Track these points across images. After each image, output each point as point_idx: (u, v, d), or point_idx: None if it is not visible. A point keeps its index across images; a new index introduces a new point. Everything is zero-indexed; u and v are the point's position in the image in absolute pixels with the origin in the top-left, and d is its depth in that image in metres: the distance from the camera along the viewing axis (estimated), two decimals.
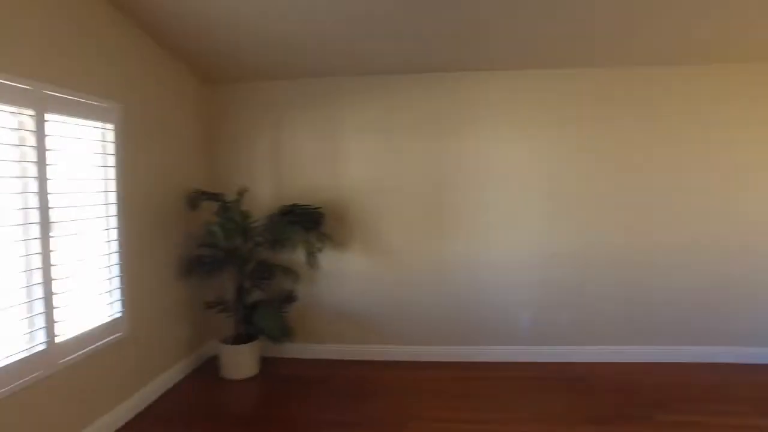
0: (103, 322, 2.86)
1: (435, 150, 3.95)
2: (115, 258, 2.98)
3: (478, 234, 3.95)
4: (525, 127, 3.88)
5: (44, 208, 2.37)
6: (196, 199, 3.78)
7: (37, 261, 2.33)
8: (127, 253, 3.07)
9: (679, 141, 3.79)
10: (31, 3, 2.36)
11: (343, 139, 4.02)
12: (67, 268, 2.56)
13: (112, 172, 2.95)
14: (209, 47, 3.51)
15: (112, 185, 2.95)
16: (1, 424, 2.13)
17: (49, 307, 2.39)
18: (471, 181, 3.93)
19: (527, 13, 3.00)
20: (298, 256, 3.97)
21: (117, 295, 2.99)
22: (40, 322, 2.36)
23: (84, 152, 2.75)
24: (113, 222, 2.96)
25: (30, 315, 2.31)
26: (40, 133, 2.35)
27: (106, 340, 2.85)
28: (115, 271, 2.99)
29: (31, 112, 2.31)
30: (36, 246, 2.32)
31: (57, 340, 2.45)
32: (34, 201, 2.32)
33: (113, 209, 2.95)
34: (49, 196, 2.39)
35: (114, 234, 2.97)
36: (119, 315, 3.00)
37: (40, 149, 2.35)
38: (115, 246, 2.97)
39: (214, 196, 3.79)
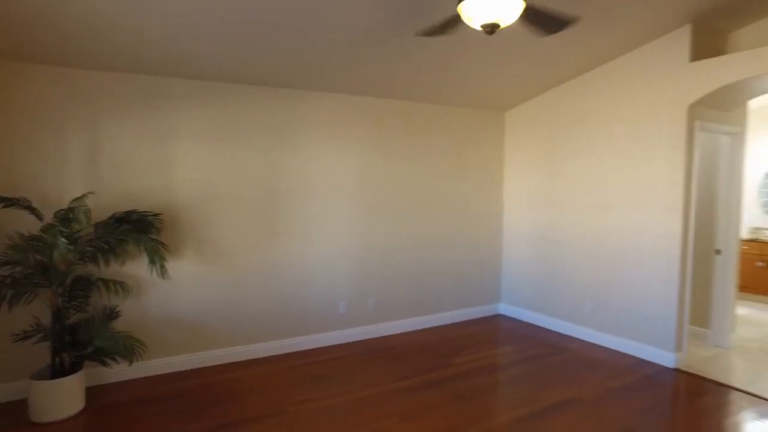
0: None
1: (267, 159, 4.22)
2: None
3: (303, 235, 4.42)
4: (345, 142, 4.59)
5: None
6: None
7: None
8: None
9: (439, 155, 5.18)
10: None
11: (175, 144, 3.84)
12: None
13: None
14: None
15: None
16: None
17: None
18: (299, 187, 4.37)
19: (355, 52, 3.71)
20: (129, 268, 3.62)
21: None
22: None
23: None
24: None
25: None
26: None
27: None
28: None
29: None
30: None
31: None
32: None
33: None
34: None
35: None
36: None
37: None
38: None
39: (11, 202, 3.10)
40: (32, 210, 3.17)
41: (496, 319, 5.54)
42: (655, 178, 4.12)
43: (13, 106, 3.34)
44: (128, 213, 3.53)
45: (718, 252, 4.55)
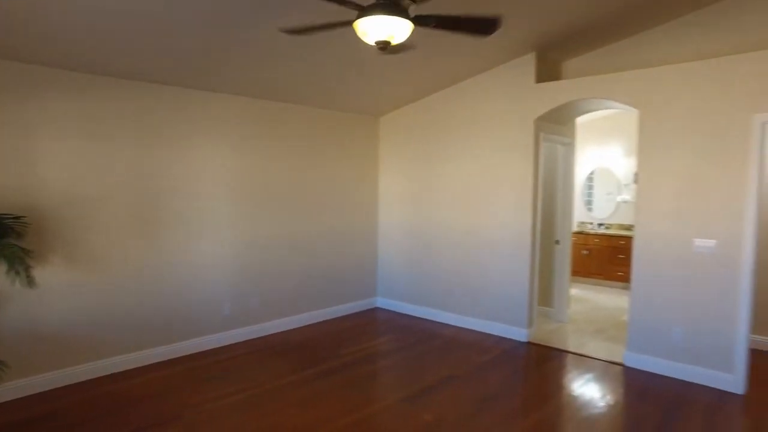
0: None
1: (148, 158, 4.02)
2: None
3: (186, 236, 4.29)
4: (230, 142, 4.55)
5: None
6: None
7: None
8: None
9: (319, 156, 5.41)
10: None
11: (40, 140, 3.48)
12: None
13: None
14: None
15: None
16: None
17: None
18: (181, 188, 4.23)
19: (235, 53, 3.78)
20: None
21: None
22: None
23: None
24: None
25: None
26: None
27: None
28: None
29: None
30: None
31: None
32: None
33: None
34: None
35: None
36: None
37: None
38: None
39: None
40: None
41: (375, 312, 5.91)
42: (510, 179, 4.82)
43: None
44: None
45: (557, 242, 5.46)
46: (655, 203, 3.97)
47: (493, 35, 3.71)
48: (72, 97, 3.62)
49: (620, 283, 7.28)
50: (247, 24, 3.24)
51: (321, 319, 5.49)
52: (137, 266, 4.01)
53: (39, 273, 3.47)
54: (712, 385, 3.72)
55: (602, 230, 7.77)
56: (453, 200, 5.32)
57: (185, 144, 4.25)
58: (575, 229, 7.90)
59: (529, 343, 4.76)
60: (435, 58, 4.34)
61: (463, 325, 5.27)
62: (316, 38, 3.50)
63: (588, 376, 3.97)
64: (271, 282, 4.98)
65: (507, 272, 4.88)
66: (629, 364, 4.14)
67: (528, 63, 4.65)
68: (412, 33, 2.74)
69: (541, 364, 4.23)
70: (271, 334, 4.94)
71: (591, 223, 8.06)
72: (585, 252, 7.58)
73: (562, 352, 4.51)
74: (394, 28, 2.58)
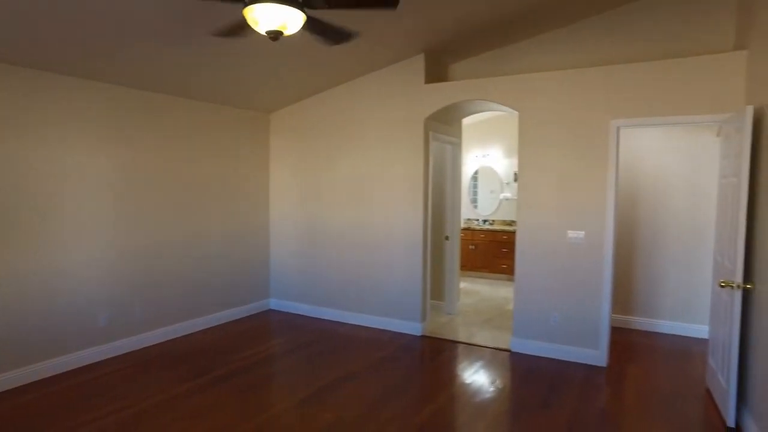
0: None
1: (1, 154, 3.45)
2: None
3: (51, 242, 3.76)
4: (105, 135, 4.07)
5: None
6: None
7: None
8: None
9: (206, 153, 5.09)
10: None
11: None
12: None
13: None
14: None
15: None
16: None
17: None
18: (45, 187, 3.70)
19: (115, 39, 3.43)
20: None
21: None
22: None
23: None
24: None
25: None
26: None
27: None
28: None
29: None
30: None
31: None
32: None
33: None
34: None
35: None
36: None
37: None
38: None
39: None
40: None
41: (269, 314, 5.70)
42: (402, 177, 4.93)
43: None
44: None
45: (447, 238, 5.70)
46: (534, 199, 4.31)
47: (382, 37, 3.76)
48: None
49: (505, 275, 7.82)
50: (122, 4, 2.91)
51: (212, 325, 5.16)
52: None
53: None
54: (583, 361, 4.13)
55: (487, 226, 8.29)
56: (346, 198, 5.31)
57: (53, 139, 3.72)
58: (462, 225, 8.33)
59: (423, 336, 4.90)
60: (325, 56, 4.29)
61: (359, 323, 5.28)
62: (203, 27, 3.27)
63: (479, 363, 4.19)
64: (156, 288, 4.56)
65: (400, 269, 4.99)
66: (515, 349, 4.45)
67: (418, 63, 4.79)
68: (305, 25, 2.67)
69: (435, 357, 4.38)
70: (158, 344, 4.53)
71: (477, 220, 8.56)
72: (472, 247, 8.03)
73: (455, 343, 4.71)
74: (287, 18, 2.48)
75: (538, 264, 4.30)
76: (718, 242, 3.52)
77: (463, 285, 7.31)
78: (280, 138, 5.79)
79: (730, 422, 3.02)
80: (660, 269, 5.05)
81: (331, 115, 5.37)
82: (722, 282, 3.10)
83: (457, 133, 5.73)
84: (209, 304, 5.15)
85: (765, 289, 2.73)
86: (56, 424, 3.03)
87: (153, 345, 4.52)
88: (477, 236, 8.02)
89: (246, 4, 2.43)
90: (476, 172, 8.55)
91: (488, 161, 8.44)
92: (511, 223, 8.22)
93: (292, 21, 2.51)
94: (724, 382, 3.16)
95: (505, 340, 4.72)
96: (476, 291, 7.09)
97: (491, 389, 3.65)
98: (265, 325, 5.27)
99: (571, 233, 4.15)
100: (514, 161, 8.21)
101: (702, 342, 4.76)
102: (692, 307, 4.93)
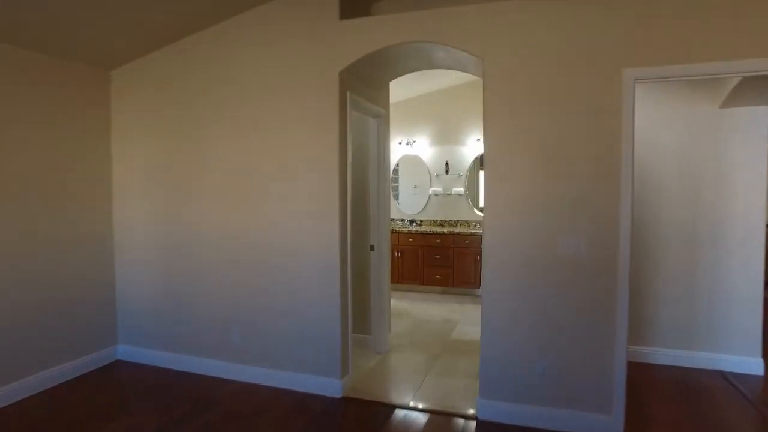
0: None
1: None
2: None
3: None
4: None
5: None
6: None
7: None
8: None
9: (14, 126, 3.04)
10: None
11: None
12: None
13: None
14: None
15: None
16: None
17: None
18: None
19: None
20: None
21: None
22: None
23: None
24: None
25: None
26: None
27: None
28: None
29: None
30: None
31: None
32: None
33: None
34: None
35: None
36: None
37: None
38: None
39: None
40: None
41: (116, 370, 3.74)
42: (309, 162, 3.27)
43: None
44: None
45: (372, 248, 4.12)
46: (509, 189, 2.86)
47: None
48: None
49: (439, 288, 6.42)
50: None
51: (24, 395, 3.12)
52: None
53: None
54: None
55: (414, 228, 6.84)
56: (228, 196, 3.53)
57: None
58: None
59: (345, 399, 3.27)
60: None
61: (251, 380, 3.51)
62: None
63: None
64: None
65: (310, 299, 3.32)
66: (484, 416, 2.95)
67: None
68: None
69: None
70: None
71: (402, 221, 7.10)
72: (397, 254, 6.54)
73: (392, 409, 3.13)
74: None
75: (516, 286, 2.86)
76: None
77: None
78: (127, 106, 3.83)
79: None
80: (650, 282, 3.87)
81: (203, 70, 3.55)
82: None
83: (384, 101, 4.16)
84: (20, 362, 3.11)
85: None
86: None
87: None
88: (403, 240, 6.53)
89: None
90: (397, 164, 7.07)
91: (414, 149, 7.00)
92: (443, 223, 6.85)
93: None
94: None
95: (465, 396, 3.24)
96: (407, 311, 5.59)
97: None
98: (108, 389, 3.35)
99: (564, 240, 2.76)
100: (446, 150, 6.86)
101: (710, 374, 3.62)
102: (693, 329, 3.78)
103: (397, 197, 7.12)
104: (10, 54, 3.09)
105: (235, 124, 3.46)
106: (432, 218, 6.93)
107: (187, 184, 3.65)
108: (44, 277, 3.37)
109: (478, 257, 6.07)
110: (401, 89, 5.61)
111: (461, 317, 5.28)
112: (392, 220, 7.09)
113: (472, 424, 2.90)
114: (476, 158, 6.63)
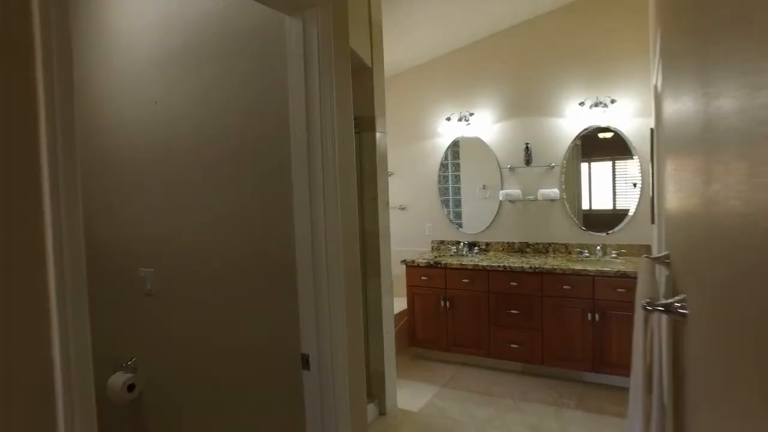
0: None
1: None
2: None
3: None
4: None
5: None
6: None
7: None
8: None
9: None
10: None
11: None
12: None
13: None
14: None
15: None
16: None
17: None
18: None
19: None
20: None
21: None
22: None
23: None
24: None
25: None
26: None
27: None
28: None
29: None
30: None
31: None
32: None
33: None
34: None
35: None
36: None
37: None
38: None
39: None
40: None
41: None
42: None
43: None
44: None
45: (306, 364, 1.61)
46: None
47: None
48: None
49: (514, 366, 3.72)
50: None
51: None
52: None
53: None
54: None
55: (475, 260, 4.18)
56: None
57: None
58: (417, 260, 4.22)
59: None
60: None
61: None
62: None
63: None
64: None
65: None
66: None
67: None
68: None
69: None
70: None
71: (457, 244, 4.47)
72: (444, 305, 3.92)
73: None
74: None
75: None
76: None
77: (423, 395, 3.22)
78: None
79: None
80: None
81: None
82: None
83: None
84: None
85: None
86: None
87: None
88: (453, 280, 3.90)
89: None
90: (446, 152, 4.47)
91: (471, 129, 4.34)
92: (524, 248, 4.13)
93: None
94: None
95: None
96: (458, 422, 2.97)
97: None
98: None
99: None
100: (524, 125, 4.13)
101: None
102: None
103: (447, 204, 4.52)
104: None
105: None
106: (504, 239, 4.24)
107: None
108: None
109: (590, 314, 3.33)
110: (442, 33, 3.07)
111: None
112: (441, 242, 4.51)
113: None
114: (612, 135, 3.83)
